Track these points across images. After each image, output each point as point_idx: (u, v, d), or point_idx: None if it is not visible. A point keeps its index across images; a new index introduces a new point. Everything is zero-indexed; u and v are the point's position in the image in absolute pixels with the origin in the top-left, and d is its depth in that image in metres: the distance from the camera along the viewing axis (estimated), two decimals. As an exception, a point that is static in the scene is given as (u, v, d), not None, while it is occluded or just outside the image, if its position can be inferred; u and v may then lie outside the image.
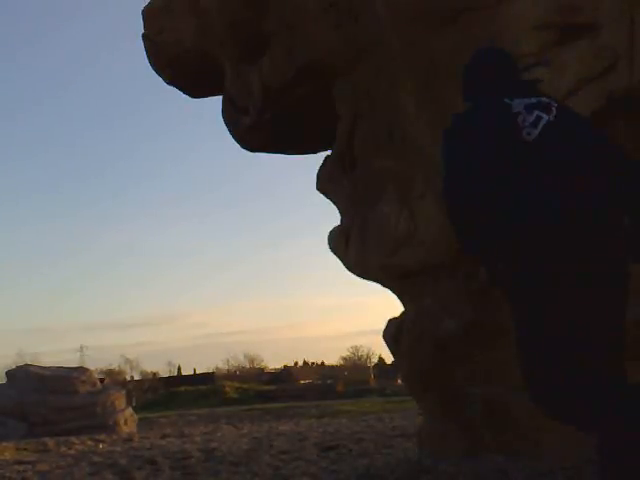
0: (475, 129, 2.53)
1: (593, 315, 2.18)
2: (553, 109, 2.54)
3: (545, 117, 2.52)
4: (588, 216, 2.24)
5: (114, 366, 41.73)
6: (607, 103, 3.41)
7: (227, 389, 31.41)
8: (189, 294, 79.59)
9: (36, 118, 76.90)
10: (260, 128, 5.08)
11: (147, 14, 5.58)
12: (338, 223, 5.13)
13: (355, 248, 4.68)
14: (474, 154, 2.44)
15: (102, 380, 19.39)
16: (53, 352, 74.75)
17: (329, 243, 5.16)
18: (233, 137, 5.49)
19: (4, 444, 9.69)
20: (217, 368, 46.11)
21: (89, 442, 9.74)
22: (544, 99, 2.60)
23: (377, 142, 4.25)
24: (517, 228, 2.24)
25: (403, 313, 4.45)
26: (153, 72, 5.83)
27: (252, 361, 47.46)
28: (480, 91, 2.77)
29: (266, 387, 32.82)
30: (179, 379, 40.96)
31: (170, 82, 5.81)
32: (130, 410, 15.56)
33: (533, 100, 2.60)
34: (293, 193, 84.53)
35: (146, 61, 5.78)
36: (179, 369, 49.29)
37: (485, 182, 2.35)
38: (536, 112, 2.54)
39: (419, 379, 4.38)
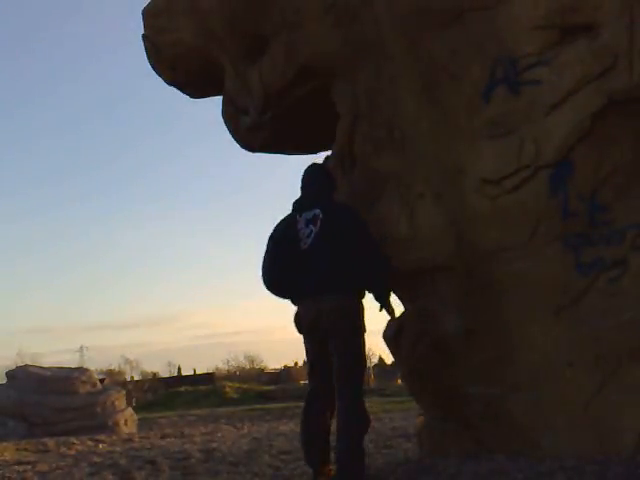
0: (278, 237, 4.01)
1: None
2: (318, 222, 3.86)
3: (314, 230, 3.85)
4: (325, 296, 3.81)
5: (114, 366, 41.85)
6: (607, 103, 3.41)
7: (227, 389, 31.35)
8: (189, 294, 79.69)
9: (35, 119, 76.89)
10: (260, 128, 5.08)
11: (147, 14, 5.56)
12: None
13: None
14: (276, 254, 4.00)
15: (102, 380, 19.38)
16: (53, 352, 74.94)
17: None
18: (233, 137, 5.48)
19: (4, 444, 9.67)
20: (217, 368, 46.18)
21: (89, 442, 9.71)
22: (317, 212, 3.89)
23: (377, 142, 4.25)
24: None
25: (403, 313, 4.45)
26: (153, 72, 5.83)
27: (252, 361, 47.48)
28: (295, 205, 4.06)
29: (266, 387, 32.77)
30: (179, 379, 40.98)
31: (170, 82, 5.80)
32: (130, 410, 15.53)
33: (310, 215, 3.90)
34: (294, 194, 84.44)
35: (146, 61, 5.78)
36: (179, 369, 49.40)
37: (278, 272, 4.01)
38: (310, 226, 3.87)
39: (419, 379, 4.38)
